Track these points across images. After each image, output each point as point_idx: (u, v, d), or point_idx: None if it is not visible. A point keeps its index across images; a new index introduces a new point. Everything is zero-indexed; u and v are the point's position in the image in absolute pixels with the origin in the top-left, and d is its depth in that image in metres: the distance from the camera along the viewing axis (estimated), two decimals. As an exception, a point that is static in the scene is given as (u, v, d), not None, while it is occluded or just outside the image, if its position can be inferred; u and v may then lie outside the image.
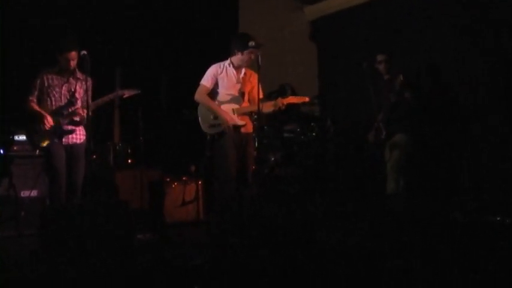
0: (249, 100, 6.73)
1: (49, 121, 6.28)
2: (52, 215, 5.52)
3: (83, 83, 6.49)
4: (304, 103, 6.99)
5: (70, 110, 6.42)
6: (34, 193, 7.09)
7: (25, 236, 6.80)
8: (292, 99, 6.72)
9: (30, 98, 6.35)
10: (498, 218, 6.66)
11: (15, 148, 7.19)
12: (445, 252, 5.54)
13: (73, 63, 6.38)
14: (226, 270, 5.25)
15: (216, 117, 6.59)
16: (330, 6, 10.28)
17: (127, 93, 6.53)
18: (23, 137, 7.09)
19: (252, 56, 6.55)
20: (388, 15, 8.99)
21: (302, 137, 8.41)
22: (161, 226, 7.57)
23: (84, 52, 6.03)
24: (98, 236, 5.38)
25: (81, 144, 6.51)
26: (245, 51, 6.57)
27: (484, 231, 6.28)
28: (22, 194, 7.15)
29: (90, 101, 6.31)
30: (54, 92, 6.39)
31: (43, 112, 6.31)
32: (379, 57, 7.36)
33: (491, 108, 7.55)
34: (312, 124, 8.39)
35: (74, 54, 6.31)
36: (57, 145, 6.36)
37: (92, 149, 6.46)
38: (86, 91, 6.41)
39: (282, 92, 7.69)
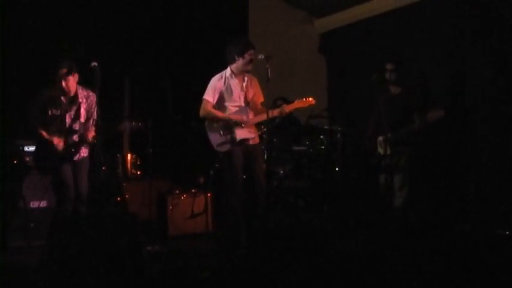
0: (251, 107, 6.67)
1: (59, 142, 6.30)
2: (61, 226, 5.52)
3: (86, 102, 6.49)
4: (310, 106, 6.85)
5: (75, 137, 6.41)
6: (43, 204, 7.09)
7: (34, 247, 6.80)
8: (298, 104, 6.65)
9: (35, 122, 6.37)
10: (507, 232, 6.66)
11: (26, 159, 7.20)
12: (453, 262, 5.52)
13: (72, 87, 6.37)
14: (235, 282, 5.25)
15: (224, 133, 6.57)
16: (339, 19, 10.30)
17: (129, 127, 6.60)
18: (32, 148, 7.10)
19: (252, 57, 6.53)
20: (398, 27, 8.99)
21: (311, 150, 8.40)
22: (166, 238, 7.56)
23: (94, 64, 6.01)
24: (106, 247, 5.38)
25: (86, 158, 6.54)
26: (245, 54, 6.55)
27: (493, 243, 6.26)
28: (31, 205, 7.15)
29: (95, 116, 6.37)
30: (56, 120, 6.37)
31: (49, 137, 6.31)
32: (389, 66, 7.35)
33: (502, 117, 7.53)
34: (321, 137, 8.38)
35: (72, 78, 6.33)
36: (66, 164, 6.37)
37: (101, 160, 6.46)
38: (90, 110, 6.44)
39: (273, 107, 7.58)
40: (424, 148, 7.65)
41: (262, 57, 6.41)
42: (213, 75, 6.81)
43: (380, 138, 7.30)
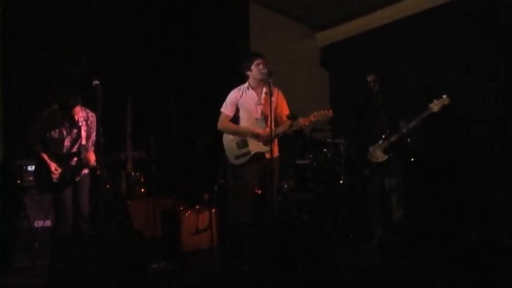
0: (275, 119, 6.50)
1: (57, 169, 6.33)
2: (64, 245, 5.50)
3: (86, 124, 6.50)
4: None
5: (74, 161, 6.43)
6: (47, 223, 7.06)
7: (39, 267, 6.78)
8: (314, 117, 6.48)
9: (34, 140, 6.40)
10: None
11: (30, 178, 7.19)
12: (461, 273, 5.49)
13: (76, 113, 6.37)
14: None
15: (240, 146, 6.56)
16: (340, 33, 10.35)
17: (130, 155, 6.60)
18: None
19: (261, 67, 6.52)
20: (399, 39, 9.03)
21: (315, 164, 8.39)
22: (178, 255, 7.52)
23: (96, 82, 5.97)
24: (111, 265, 5.35)
25: (86, 174, 6.54)
26: (251, 67, 6.58)
27: (501, 252, 6.24)
28: (36, 224, 7.13)
29: (94, 137, 6.44)
30: (56, 143, 6.40)
31: (49, 161, 6.33)
32: (370, 78, 7.41)
33: (500, 127, 7.57)
34: (325, 150, 8.37)
35: (77, 108, 6.33)
36: (67, 185, 6.41)
37: (105, 178, 6.45)
38: (90, 130, 6.47)
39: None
40: (417, 157, 7.71)
41: (265, 71, 6.42)
42: (215, 91, 6.83)
43: (370, 148, 7.33)
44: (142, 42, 9.14)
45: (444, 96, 6.88)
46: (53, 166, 6.30)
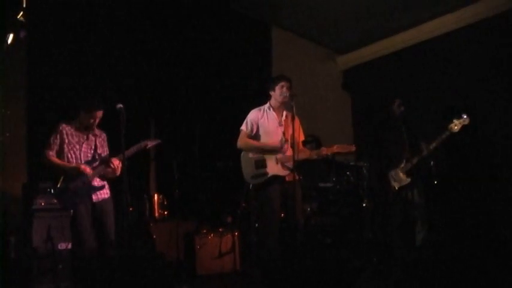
0: (291, 144, 6.49)
1: (85, 169, 6.25)
2: (88, 269, 5.52)
3: (101, 138, 6.53)
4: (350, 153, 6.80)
5: (94, 165, 6.39)
6: (71, 245, 7.07)
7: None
8: (337, 149, 6.51)
9: (50, 153, 6.29)
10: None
11: (54, 201, 7.23)
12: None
13: (94, 122, 6.36)
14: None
15: (258, 166, 6.54)
16: (361, 56, 10.37)
17: (150, 143, 6.52)
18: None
19: (284, 89, 6.54)
20: (419, 62, 9.05)
21: (338, 187, 8.37)
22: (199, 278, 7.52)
23: (120, 105, 6.00)
24: (134, 288, 5.37)
25: (109, 198, 6.48)
26: (276, 87, 6.60)
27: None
28: (59, 247, 7.16)
29: (106, 151, 6.47)
30: (74, 150, 6.35)
31: (72, 165, 6.27)
32: (396, 102, 7.42)
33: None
34: (347, 173, 8.35)
35: (100, 113, 6.33)
36: (84, 205, 6.30)
37: (128, 201, 6.45)
38: (103, 146, 6.50)
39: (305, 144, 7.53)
40: (441, 179, 7.68)
41: (287, 94, 6.45)
42: (237, 113, 6.85)
43: (392, 172, 7.30)
44: (165, 65, 9.22)
45: (464, 116, 6.85)
46: (82, 166, 6.26)
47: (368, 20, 9.29)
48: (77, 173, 6.24)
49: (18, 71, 8.05)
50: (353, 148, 6.56)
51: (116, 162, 6.26)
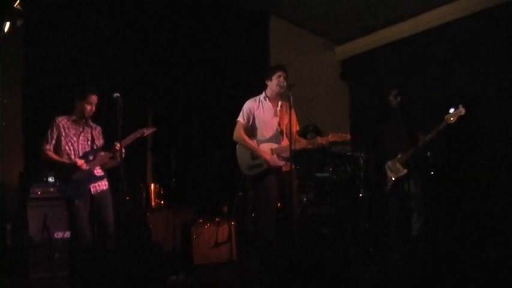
0: (286, 134, 6.55)
1: (82, 164, 6.21)
2: (84, 258, 5.52)
3: (96, 131, 6.50)
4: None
5: (92, 157, 6.35)
6: (67, 234, 7.07)
7: (59, 278, 6.81)
8: (332, 138, 6.48)
9: (47, 147, 6.23)
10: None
11: (51, 190, 7.23)
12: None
13: (91, 109, 6.32)
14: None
15: (254, 157, 6.53)
16: (359, 46, 10.36)
17: (146, 131, 6.50)
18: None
19: (281, 79, 6.52)
20: (417, 52, 9.05)
21: (334, 177, 8.38)
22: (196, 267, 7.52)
23: (116, 94, 5.97)
24: (130, 278, 5.36)
25: (107, 190, 6.44)
26: (273, 76, 6.57)
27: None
28: (56, 236, 7.17)
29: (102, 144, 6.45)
30: (72, 142, 6.30)
31: (67, 160, 6.22)
32: (391, 92, 7.41)
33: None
34: (344, 164, 8.36)
35: (95, 98, 6.29)
36: (83, 197, 6.23)
37: (124, 190, 6.43)
38: (99, 137, 6.49)
39: (303, 134, 7.54)
40: (437, 170, 7.68)
41: (285, 85, 6.44)
42: (235, 103, 6.83)
43: (388, 163, 7.30)
44: (163, 55, 9.20)
45: (460, 106, 6.84)
46: (79, 161, 6.21)
47: (366, 10, 9.27)
48: (74, 168, 6.20)
49: (15, 59, 8.03)
50: (348, 137, 6.50)
51: (118, 146, 6.19)
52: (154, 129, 6.60)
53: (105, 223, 6.31)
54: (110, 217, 6.36)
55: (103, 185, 6.42)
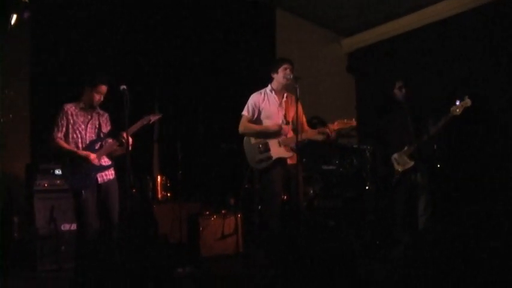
0: (297, 126, 6.42)
1: (94, 159, 6.17)
2: (90, 250, 5.53)
3: (104, 117, 6.47)
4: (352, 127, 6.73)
5: (99, 145, 6.31)
6: (74, 227, 7.07)
7: (66, 270, 6.83)
8: (339, 125, 6.51)
9: (58, 135, 6.18)
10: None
11: (57, 182, 7.24)
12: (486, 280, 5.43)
13: (99, 99, 6.28)
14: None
15: (262, 151, 6.52)
16: (365, 39, 10.34)
17: (153, 118, 6.47)
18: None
19: (287, 71, 6.51)
20: (424, 45, 9.03)
21: (341, 169, 8.37)
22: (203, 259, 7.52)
23: (123, 87, 5.95)
24: (137, 270, 5.37)
25: (114, 180, 6.40)
26: (279, 69, 6.57)
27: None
28: (62, 228, 7.18)
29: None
30: (80, 129, 6.25)
31: (80, 152, 6.16)
32: (397, 84, 7.38)
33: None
34: (351, 156, 8.35)
35: (104, 88, 6.25)
36: (91, 187, 6.18)
37: (131, 182, 6.41)
38: (106, 125, 6.45)
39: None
40: (444, 163, 7.67)
41: (291, 77, 6.43)
42: (241, 96, 6.83)
43: (395, 155, 7.27)
44: (169, 48, 9.18)
45: (466, 97, 6.82)
46: (92, 155, 6.16)
47: (373, 3, 9.25)
48: (84, 160, 6.17)
49: (21, 51, 8.05)
50: (354, 123, 6.55)
51: (125, 135, 6.13)
52: (161, 115, 6.56)
53: (110, 213, 6.25)
54: (116, 207, 6.32)
55: (110, 174, 6.38)
